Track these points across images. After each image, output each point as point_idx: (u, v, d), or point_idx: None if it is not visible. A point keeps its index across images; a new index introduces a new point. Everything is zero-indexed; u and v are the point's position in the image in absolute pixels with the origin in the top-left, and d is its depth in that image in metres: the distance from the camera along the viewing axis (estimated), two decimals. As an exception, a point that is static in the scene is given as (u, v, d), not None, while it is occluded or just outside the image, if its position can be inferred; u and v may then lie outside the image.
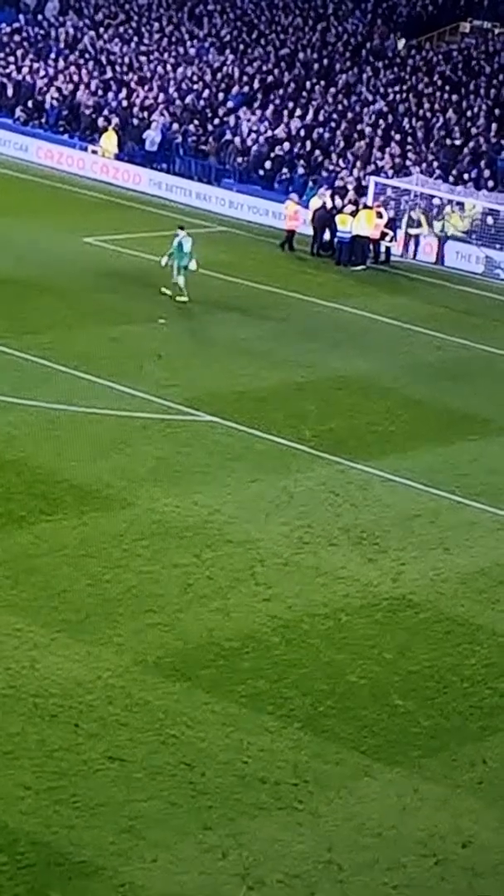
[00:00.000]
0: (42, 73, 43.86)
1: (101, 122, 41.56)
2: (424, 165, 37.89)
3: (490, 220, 35.49)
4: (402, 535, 19.80)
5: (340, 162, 38.57)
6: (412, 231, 35.49)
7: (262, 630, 16.86)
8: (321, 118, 40.74)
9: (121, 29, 46.07)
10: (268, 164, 39.10)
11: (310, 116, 40.75)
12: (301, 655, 16.42)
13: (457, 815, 13.97)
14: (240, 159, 39.33)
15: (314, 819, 13.62)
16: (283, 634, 16.80)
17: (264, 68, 43.23)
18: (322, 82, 42.31)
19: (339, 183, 36.99)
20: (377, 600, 17.90)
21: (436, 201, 35.83)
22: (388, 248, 35.01)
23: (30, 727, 14.41)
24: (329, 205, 34.89)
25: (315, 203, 35.16)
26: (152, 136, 40.84)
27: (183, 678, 15.61)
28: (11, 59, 44.66)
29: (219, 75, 43.23)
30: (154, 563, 18.14)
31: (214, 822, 13.35)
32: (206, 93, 42.38)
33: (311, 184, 37.68)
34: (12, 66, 44.26)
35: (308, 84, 42.29)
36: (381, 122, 40.19)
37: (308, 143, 39.52)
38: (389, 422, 24.27)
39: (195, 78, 43.14)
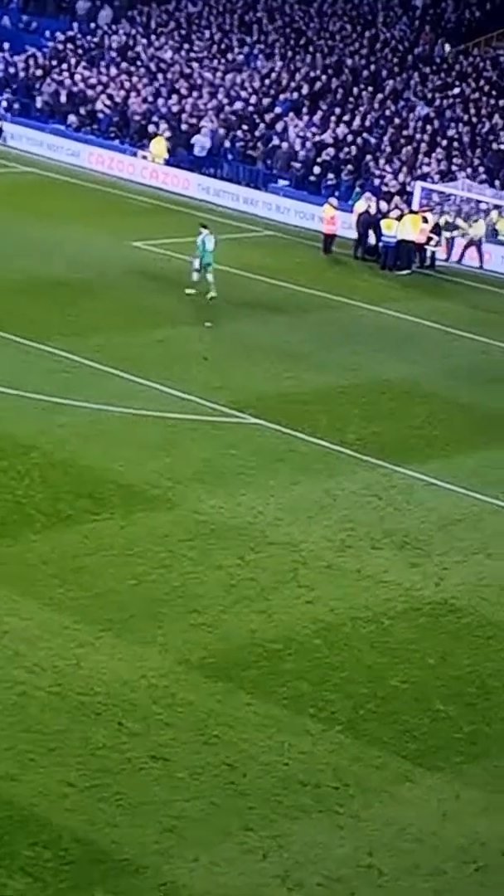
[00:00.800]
0: (94, 80, 44.27)
1: (151, 127, 41.87)
2: (470, 170, 37.85)
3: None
4: (445, 540, 19.78)
5: (387, 167, 38.60)
6: (448, 234, 35.41)
7: (305, 632, 16.91)
8: (368, 124, 40.78)
9: (171, 36, 46.38)
10: (316, 170, 39.20)
11: (357, 122, 40.80)
12: (343, 658, 16.47)
13: (498, 822, 13.94)
14: (297, 164, 39.43)
15: (355, 823, 13.66)
16: (326, 637, 16.85)
17: (312, 74, 43.33)
18: (370, 88, 42.36)
19: (384, 188, 37.01)
20: (420, 605, 17.90)
21: (482, 206, 35.73)
22: (433, 253, 34.99)
23: (74, 725, 14.56)
24: (373, 209, 34.92)
25: (360, 207, 35.23)
26: (201, 142, 41.07)
27: (225, 679, 15.70)
28: (65, 66, 45.11)
29: (267, 81, 43.40)
30: (198, 564, 18.26)
31: (255, 824, 13.42)
32: (254, 99, 42.56)
33: (357, 189, 37.73)
34: (66, 74, 44.72)
35: (355, 90, 42.34)
36: (427, 127, 40.18)
37: (354, 149, 39.59)
38: (433, 426, 24.25)
39: (244, 84, 43.34)
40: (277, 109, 42.00)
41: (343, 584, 18.17)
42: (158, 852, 12.91)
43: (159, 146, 40.74)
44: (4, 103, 44.06)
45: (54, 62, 45.43)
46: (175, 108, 42.44)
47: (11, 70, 45.32)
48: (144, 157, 40.92)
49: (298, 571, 18.38)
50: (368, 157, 39.09)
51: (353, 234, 35.08)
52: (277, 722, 15.03)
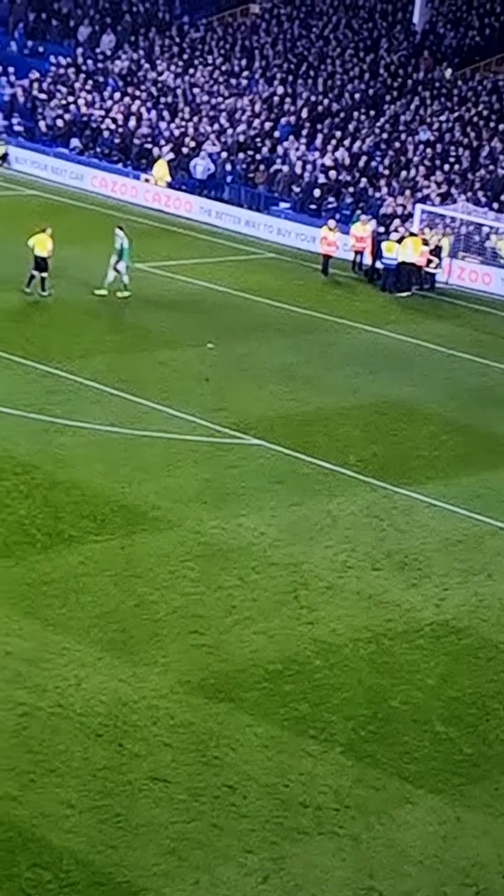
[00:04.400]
0: (97, 104, 44.56)
1: (154, 151, 42.11)
2: (470, 194, 38.06)
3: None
4: (445, 561, 19.81)
5: (386, 190, 38.80)
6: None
7: (305, 653, 16.92)
8: (368, 147, 41.01)
9: (174, 61, 46.68)
10: (316, 193, 39.39)
11: (357, 146, 41.03)
12: (343, 679, 16.47)
13: (499, 845, 13.92)
14: (296, 189, 39.62)
15: (355, 845, 13.63)
16: (326, 658, 16.86)
17: (313, 99, 43.59)
18: (371, 112, 42.60)
19: (385, 210, 37.18)
20: (420, 626, 17.91)
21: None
22: (433, 275, 35.14)
23: (75, 746, 14.56)
24: (369, 232, 35.13)
25: (363, 229, 35.42)
26: (203, 165, 41.29)
27: (226, 700, 15.70)
28: (68, 90, 45.42)
29: (269, 105, 43.67)
30: (199, 585, 18.28)
31: (256, 846, 13.40)
32: (255, 122, 42.82)
33: (358, 211, 37.93)
34: (69, 98, 45.02)
35: (356, 114, 42.60)
36: (428, 150, 40.41)
37: (356, 172, 39.79)
38: (433, 447, 24.31)
39: (246, 108, 43.60)
40: (278, 133, 42.22)
41: (343, 605, 18.19)
42: (159, 874, 12.88)
43: (161, 169, 40.97)
44: (8, 124, 44.36)
45: (58, 86, 45.75)
46: (177, 132, 42.69)
47: (16, 94, 45.62)
48: (147, 181, 41.13)
49: (299, 592, 18.40)
50: (365, 180, 39.25)
51: (351, 256, 35.23)
52: (278, 743, 15.02)
